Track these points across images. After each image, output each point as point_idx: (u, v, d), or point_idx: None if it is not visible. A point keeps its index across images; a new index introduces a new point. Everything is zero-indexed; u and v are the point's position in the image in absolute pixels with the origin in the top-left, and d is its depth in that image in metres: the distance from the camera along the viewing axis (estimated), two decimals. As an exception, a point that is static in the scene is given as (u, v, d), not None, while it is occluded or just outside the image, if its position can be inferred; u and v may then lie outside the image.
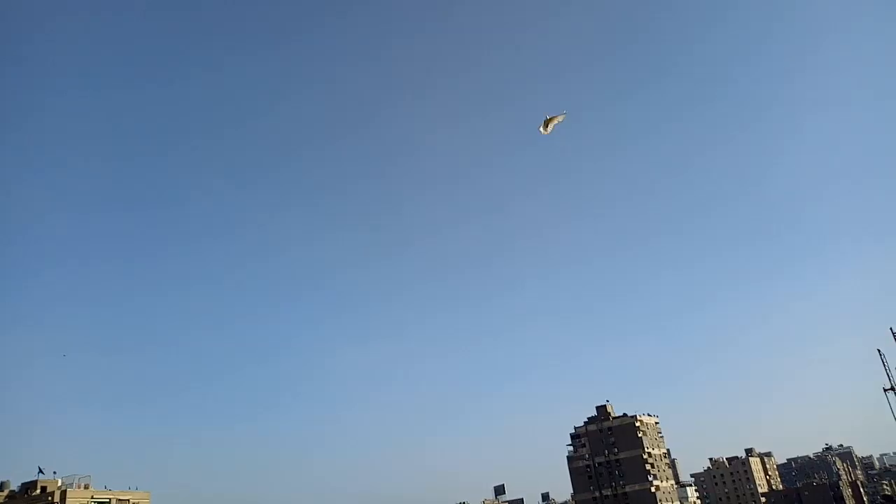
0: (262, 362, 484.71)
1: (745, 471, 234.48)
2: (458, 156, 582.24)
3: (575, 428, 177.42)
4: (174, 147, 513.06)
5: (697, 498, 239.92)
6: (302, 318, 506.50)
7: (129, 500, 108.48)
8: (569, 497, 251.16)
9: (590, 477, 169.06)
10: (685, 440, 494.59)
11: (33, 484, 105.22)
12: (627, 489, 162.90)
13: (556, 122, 33.15)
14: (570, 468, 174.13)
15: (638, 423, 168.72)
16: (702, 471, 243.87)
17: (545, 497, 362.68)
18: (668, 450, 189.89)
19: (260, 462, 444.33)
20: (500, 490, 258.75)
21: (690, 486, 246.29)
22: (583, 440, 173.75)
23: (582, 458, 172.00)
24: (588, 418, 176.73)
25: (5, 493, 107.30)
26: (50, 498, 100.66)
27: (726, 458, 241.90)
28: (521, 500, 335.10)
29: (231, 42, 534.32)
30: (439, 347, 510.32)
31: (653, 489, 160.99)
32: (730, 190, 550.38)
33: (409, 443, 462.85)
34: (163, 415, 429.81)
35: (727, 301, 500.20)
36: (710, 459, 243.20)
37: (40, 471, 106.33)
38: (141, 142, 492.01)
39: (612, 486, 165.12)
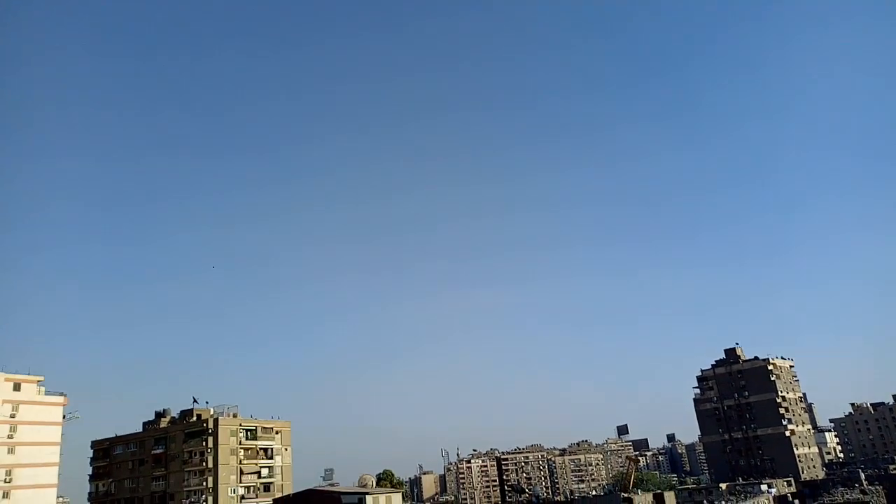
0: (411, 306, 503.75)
1: (894, 417, 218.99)
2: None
3: (702, 371, 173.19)
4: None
5: (837, 444, 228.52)
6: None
7: (272, 427, 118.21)
8: (696, 438, 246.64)
9: (718, 419, 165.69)
10: (823, 385, 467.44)
11: (190, 412, 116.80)
12: (759, 432, 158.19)
13: None
14: (696, 410, 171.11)
15: (770, 367, 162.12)
16: (842, 416, 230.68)
17: (671, 438, 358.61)
18: (804, 394, 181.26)
19: (393, 397, 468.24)
20: (623, 430, 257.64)
21: (829, 431, 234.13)
22: (710, 383, 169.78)
23: (710, 400, 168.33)
24: (716, 361, 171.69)
25: (167, 419, 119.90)
26: (204, 424, 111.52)
27: (871, 404, 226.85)
28: (646, 440, 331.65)
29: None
30: (570, 293, 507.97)
31: (787, 433, 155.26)
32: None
33: (550, 386, 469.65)
34: (300, 352, 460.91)
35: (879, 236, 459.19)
36: (852, 405, 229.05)
37: (195, 401, 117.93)
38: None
39: (742, 430, 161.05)
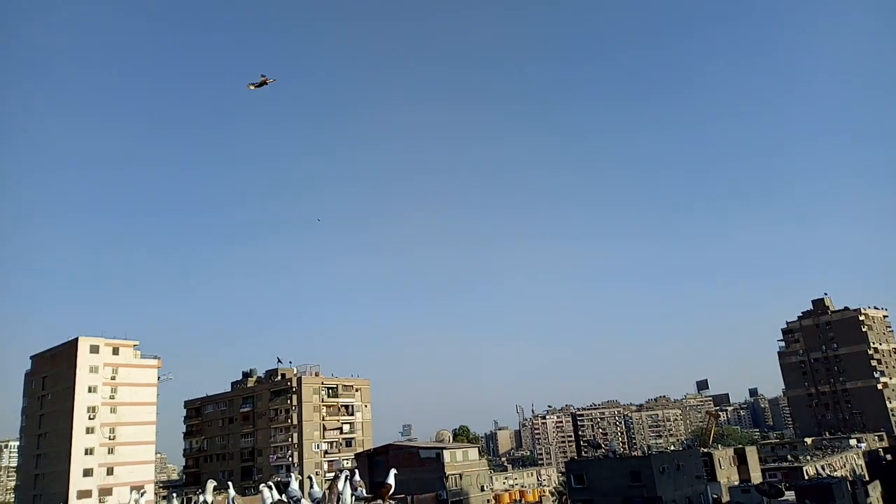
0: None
1: None
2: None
3: (787, 323, 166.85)
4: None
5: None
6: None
7: (352, 385, 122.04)
8: (780, 393, 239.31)
9: (804, 373, 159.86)
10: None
11: (274, 371, 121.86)
12: (848, 385, 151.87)
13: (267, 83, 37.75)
14: (781, 364, 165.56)
15: (862, 317, 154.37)
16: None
17: (753, 392, 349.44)
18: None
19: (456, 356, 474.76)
20: (702, 385, 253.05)
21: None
22: (796, 335, 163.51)
23: (795, 353, 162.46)
24: (802, 313, 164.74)
25: (254, 378, 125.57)
26: (288, 383, 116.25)
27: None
28: (727, 394, 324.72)
29: None
30: (650, 250, 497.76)
31: (879, 386, 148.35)
32: None
33: (627, 342, 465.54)
34: (379, 312, 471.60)
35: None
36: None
37: (279, 361, 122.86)
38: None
39: (829, 383, 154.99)
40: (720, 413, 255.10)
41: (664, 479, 66.40)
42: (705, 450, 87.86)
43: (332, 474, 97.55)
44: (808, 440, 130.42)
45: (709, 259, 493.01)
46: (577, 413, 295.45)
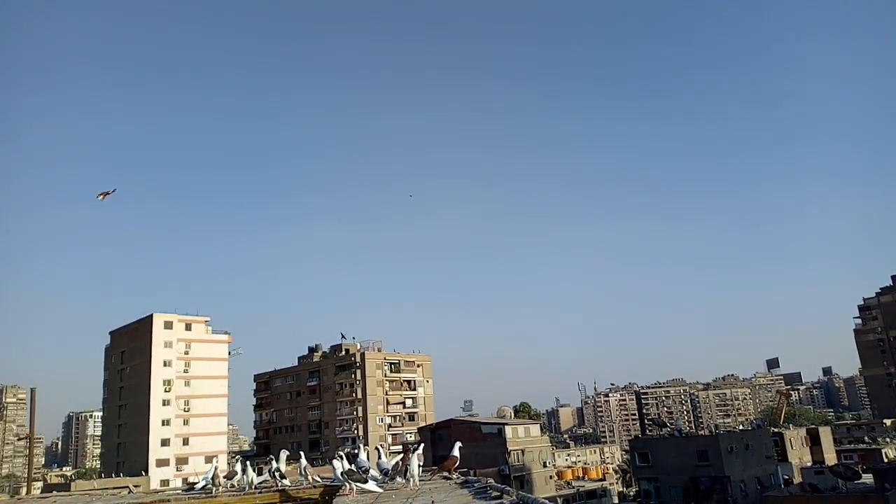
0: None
1: None
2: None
3: (864, 299, 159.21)
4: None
5: None
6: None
7: (414, 361, 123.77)
8: (856, 372, 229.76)
9: (883, 351, 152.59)
10: None
11: (339, 347, 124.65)
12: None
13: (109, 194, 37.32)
14: (857, 342, 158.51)
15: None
16: None
17: (827, 371, 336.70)
18: None
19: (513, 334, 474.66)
20: (773, 363, 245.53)
21: None
22: (874, 312, 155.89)
23: (873, 331, 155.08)
24: (881, 289, 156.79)
25: (319, 353, 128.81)
26: (352, 358, 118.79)
27: None
28: (798, 373, 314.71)
29: None
30: (719, 228, 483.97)
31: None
32: None
33: (692, 319, 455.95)
34: (438, 287, 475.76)
35: None
36: None
37: (342, 336, 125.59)
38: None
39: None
40: (791, 392, 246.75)
41: (732, 459, 65.01)
42: (776, 430, 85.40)
43: (398, 447, 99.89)
44: (888, 422, 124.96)
45: (780, 234, 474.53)
46: (642, 391, 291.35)
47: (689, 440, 74.76)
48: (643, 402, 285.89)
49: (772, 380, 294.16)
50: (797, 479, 73.17)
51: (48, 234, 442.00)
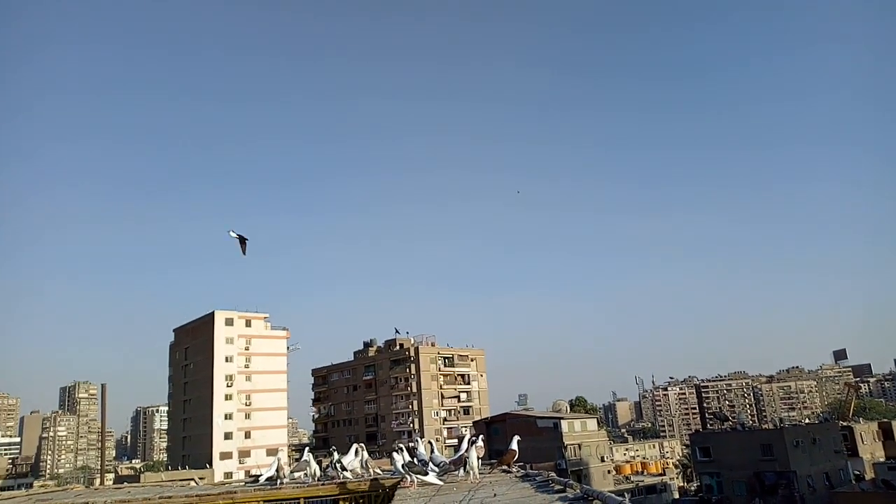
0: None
1: None
2: None
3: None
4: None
5: None
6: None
7: (468, 355, 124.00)
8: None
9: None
10: None
11: (393, 341, 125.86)
12: None
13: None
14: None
15: None
16: None
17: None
18: None
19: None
20: (840, 354, 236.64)
21: None
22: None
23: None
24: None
25: (374, 348, 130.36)
26: (407, 353, 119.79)
27: None
28: (868, 365, 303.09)
29: None
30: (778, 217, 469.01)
31: None
32: None
33: (753, 310, 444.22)
34: (492, 282, 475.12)
35: None
36: None
37: (396, 331, 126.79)
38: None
39: None
40: (861, 384, 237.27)
41: (798, 453, 63.06)
42: (844, 424, 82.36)
43: (454, 441, 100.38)
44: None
45: (845, 218, 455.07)
46: (702, 384, 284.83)
47: (752, 434, 72.87)
48: (703, 395, 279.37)
49: (839, 372, 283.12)
50: (869, 474, 70.50)
51: (117, 240, 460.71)
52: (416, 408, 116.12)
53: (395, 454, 14.26)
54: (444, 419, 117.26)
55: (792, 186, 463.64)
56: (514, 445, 14.42)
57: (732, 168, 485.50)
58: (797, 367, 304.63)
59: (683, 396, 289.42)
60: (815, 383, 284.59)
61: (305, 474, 16.73)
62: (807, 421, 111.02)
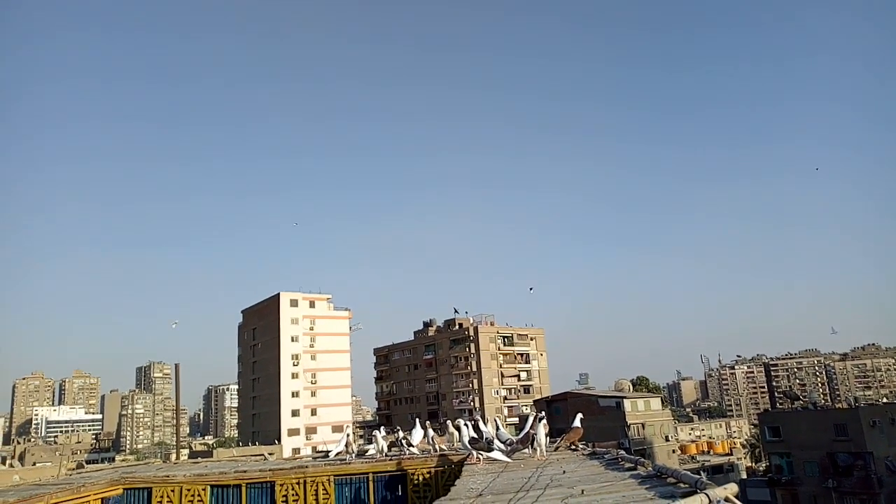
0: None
1: None
2: None
3: None
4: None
5: None
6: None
7: (527, 334, 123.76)
8: None
9: None
10: None
11: (452, 321, 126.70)
12: None
13: None
14: None
15: None
16: None
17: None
18: None
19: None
20: None
21: None
22: None
23: None
24: None
25: (433, 327, 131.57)
26: (466, 332, 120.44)
27: None
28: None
29: None
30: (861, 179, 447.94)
31: None
32: None
33: (827, 286, 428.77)
34: (551, 261, 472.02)
35: None
36: None
37: (455, 311, 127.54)
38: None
39: None
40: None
41: (875, 434, 60.66)
42: (926, 403, 78.72)
43: (515, 419, 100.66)
44: None
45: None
46: (771, 363, 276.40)
47: (825, 413, 70.43)
48: (772, 374, 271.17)
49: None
50: (952, 456, 67.25)
51: (188, 226, 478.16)
52: (475, 386, 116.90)
53: (462, 427, 14.47)
54: (505, 398, 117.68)
55: (869, 149, 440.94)
56: (578, 423, 14.41)
57: (808, 132, 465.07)
58: (874, 344, 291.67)
59: (751, 375, 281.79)
60: (894, 361, 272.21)
61: (373, 450, 17.16)
62: (884, 400, 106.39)
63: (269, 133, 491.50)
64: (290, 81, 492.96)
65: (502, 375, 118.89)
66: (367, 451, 17.78)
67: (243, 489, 15.81)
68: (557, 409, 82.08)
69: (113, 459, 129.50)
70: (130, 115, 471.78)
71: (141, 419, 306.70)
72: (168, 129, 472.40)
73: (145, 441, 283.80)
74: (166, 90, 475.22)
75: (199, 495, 15.61)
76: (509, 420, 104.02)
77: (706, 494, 5.76)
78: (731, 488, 5.98)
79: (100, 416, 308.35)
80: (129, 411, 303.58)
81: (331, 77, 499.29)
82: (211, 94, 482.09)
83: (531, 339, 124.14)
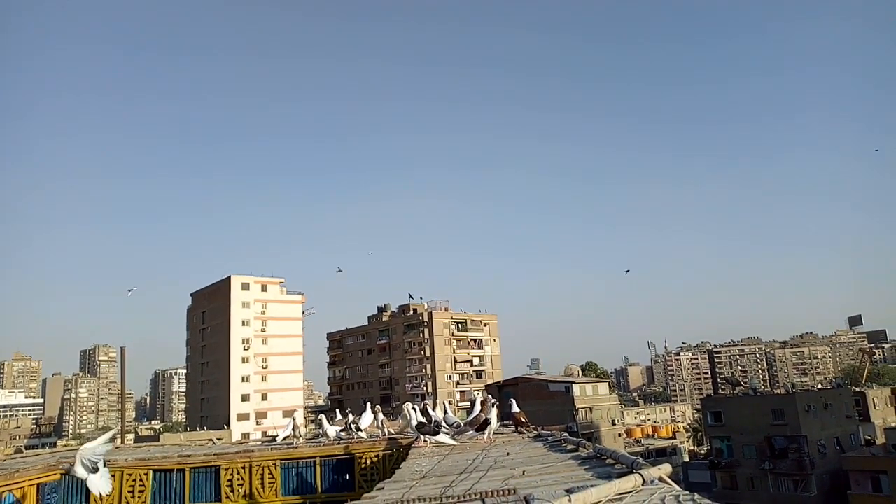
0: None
1: None
2: None
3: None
4: None
5: None
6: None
7: (481, 320, 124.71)
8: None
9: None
10: None
11: (407, 307, 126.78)
12: None
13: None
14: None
15: None
16: None
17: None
18: None
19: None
20: (855, 320, 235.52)
21: None
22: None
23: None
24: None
25: (388, 313, 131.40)
26: (420, 318, 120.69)
27: None
28: (883, 331, 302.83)
29: None
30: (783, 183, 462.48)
31: None
32: None
33: (765, 274, 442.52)
34: (503, 246, 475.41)
35: None
36: None
37: (410, 296, 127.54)
38: None
39: None
40: (875, 351, 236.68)
41: (809, 418, 63.29)
42: (857, 389, 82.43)
43: (467, 403, 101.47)
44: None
45: (861, 185, 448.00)
46: (714, 350, 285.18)
47: (763, 399, 73.15)
48: (716, 360, 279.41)
49: (854, 338, 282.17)
50: (880, 439, 70.65)
51: (133, 206, 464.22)
52: (429, 371, 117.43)
53: (410, 411, 14.53)
54: (458, 383, 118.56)
55: (806, 152, 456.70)
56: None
57: (744, 136, 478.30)
58: (811, 332, 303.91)
59: (695, 361, 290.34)
60: (829, 349, 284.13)
61: (321, 435, 17.10)
62: (819, 386, 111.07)
63: (218, 111, 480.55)
64: (247, 61, 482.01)
65: (455, 360, 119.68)
66: (319, 435, 17.73)
67: (187, 474, 15.55)
68: (508, 393, 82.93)
69: (55, 445, 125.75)
70: (82, 87, 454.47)
71: (85, 404, 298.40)
72: (116, 103, 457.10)
73: (89, 426, 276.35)
74: (119, 60, 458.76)
75: (140, 480, 15.30)
76: (461, 405, 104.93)
77: (640, 474, 5.92)
78: (665, 468, 6.17)
79: (41, 401, 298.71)
80: (73, 395, 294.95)
81: (280, 54, 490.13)
82: (164, 67, 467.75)
83: (485, 325, 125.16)
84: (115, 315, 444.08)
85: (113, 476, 14.52)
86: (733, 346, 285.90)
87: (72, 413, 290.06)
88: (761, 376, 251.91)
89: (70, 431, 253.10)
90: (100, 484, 11.80)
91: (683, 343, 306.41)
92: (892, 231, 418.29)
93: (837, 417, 67.42)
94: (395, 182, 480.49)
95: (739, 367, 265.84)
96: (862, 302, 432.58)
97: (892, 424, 75.13)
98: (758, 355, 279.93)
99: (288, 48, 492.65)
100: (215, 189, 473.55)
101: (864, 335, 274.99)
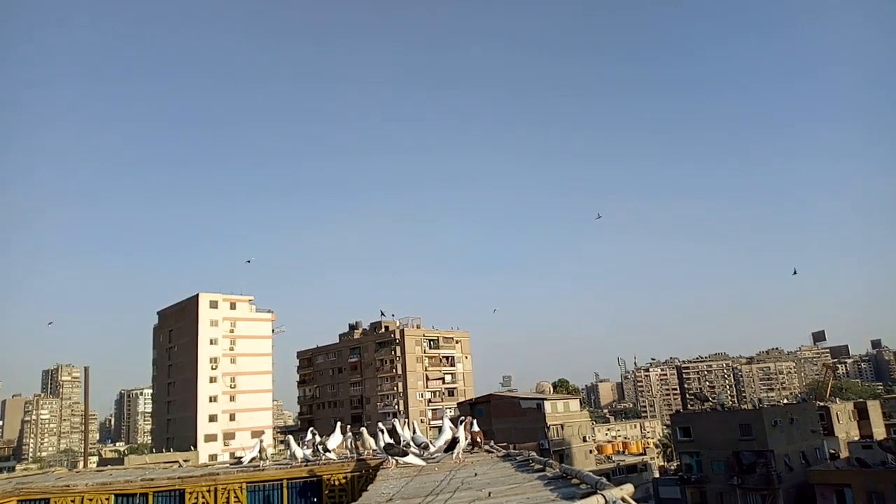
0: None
1: None
2: None
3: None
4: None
5: None
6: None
7: (453, 337, 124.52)
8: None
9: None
10: None
11: (378, 324, 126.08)
12: None
13: None
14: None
15: None
16: None
17: (876, 344, 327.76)
18: None
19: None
20: (819, 336, 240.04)
21: None
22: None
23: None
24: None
25: (359, 330, 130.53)
26: (392, 335, 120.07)
27: None
28: (846, 346, 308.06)
29: None
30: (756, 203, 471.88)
31: None
32: None
33: (734, 292, 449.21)
34: (476, 265, 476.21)
35: None
36: None
37: (382, 314, 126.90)
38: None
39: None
40: (838, 366, 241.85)
41: (776, 433, 64.22)
42: (821, 403, 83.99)
43: (438, 421, 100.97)
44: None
45: (824, 202, 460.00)
46: (683, 366, 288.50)
47: (731, 414, 74.03)
48: (684, 376, 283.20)
49: (818, 353, 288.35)
50: (844, 453, 72.01)
51: (99, 224, 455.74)
52: (401, 389, 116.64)
53: (378, 433, 14.44)
54: (430, 400, 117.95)
55: (773, 167, 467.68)
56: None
57: (714, 148, 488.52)
58: (777, 348, 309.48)
59: (665, 377, 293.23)
60: (794, 364, 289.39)
61: (289, 456, 16.87)
62: (785, 401, 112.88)
63: (184, 138, 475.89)
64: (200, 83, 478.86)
65: (427, 378, 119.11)
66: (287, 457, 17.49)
67: (150, 498, 15.24)
68: (481, 410, 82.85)
69: (13, 469, 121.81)
70: (48, 116, 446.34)
71: (46, 425, 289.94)
72: (82, 131, 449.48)
73: (50, 448, 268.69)
74: (89, 91, 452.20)
75: (102, 505, 14.94)
76: (433, 423, 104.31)
77: (602, 495, 5.99)
78: (627, 489, 6.24)
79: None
80: (34, 417, 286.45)
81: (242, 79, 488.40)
82: (132, 94, 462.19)
83: (457, 343, 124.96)
84: (80, 334, 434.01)
85: (73, 501, 14.16)
86: (701, 361, 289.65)
87: (32, 436, 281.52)
88: (729, 391, 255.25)
89: (30, 455, 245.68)
90: None
91: (652, 359, 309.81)
92: (855, 250, 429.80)
93: (803, 432, 68.51)
94: (367, 201, 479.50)
95: (707, 383, 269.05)
96: (826, 318, 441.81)
97: (855, 438, 76.68)
98: (725, 371, 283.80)
99: (252, 72, 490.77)
100: (182, 209, 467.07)
101: (828, 350, 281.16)
